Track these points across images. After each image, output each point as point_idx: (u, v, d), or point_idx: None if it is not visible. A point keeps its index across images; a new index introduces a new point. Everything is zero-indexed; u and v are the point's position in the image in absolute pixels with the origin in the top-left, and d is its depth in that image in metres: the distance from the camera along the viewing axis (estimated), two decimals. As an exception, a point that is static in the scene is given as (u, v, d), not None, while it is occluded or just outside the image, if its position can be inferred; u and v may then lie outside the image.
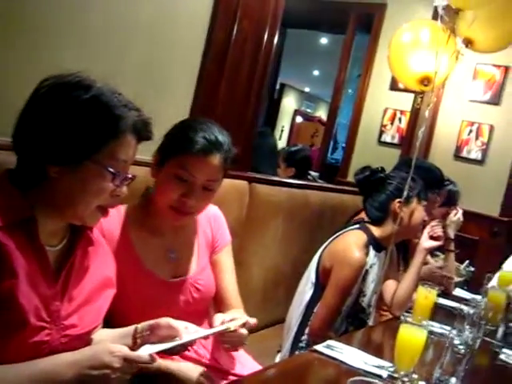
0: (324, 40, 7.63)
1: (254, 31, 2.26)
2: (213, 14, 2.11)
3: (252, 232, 2.35)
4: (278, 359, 2.21)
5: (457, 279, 3.84)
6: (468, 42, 2.34)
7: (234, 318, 1.35)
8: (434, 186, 2.57)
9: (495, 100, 4.22)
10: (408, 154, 4.23)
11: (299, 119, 13.32)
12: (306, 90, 12.93)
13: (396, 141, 4.53)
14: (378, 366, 1.59)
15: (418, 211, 2.22)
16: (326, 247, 2.21)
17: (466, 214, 4.17)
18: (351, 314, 2.21)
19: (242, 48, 2.22)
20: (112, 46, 1.78)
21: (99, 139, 1.10)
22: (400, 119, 4.52)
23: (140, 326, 1.27)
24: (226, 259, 1.68)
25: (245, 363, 1.66)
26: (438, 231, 2.31)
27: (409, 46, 2.43)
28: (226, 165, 1.49)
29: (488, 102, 4.26)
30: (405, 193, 2.13)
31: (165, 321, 1.26)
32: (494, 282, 3.02)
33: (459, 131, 4.37)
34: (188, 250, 1.58)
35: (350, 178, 4.68)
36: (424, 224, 2.28)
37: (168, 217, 1.49)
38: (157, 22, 1.92)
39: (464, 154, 4.35)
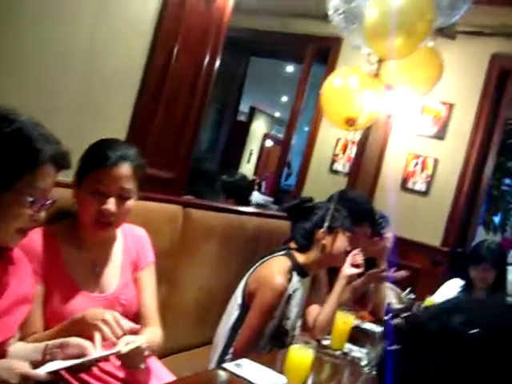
0: (290, 68, 7.87)
1: (192, 61, 2.38)
2: (151, 45, 2.22)
3: (186, 254, 2.45)
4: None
5: (398, 306, 3.99)
6: (389, 88, 2.54)
7: (130, 341, 1.42)
8: (361, 218, 2.71)
9: (440, 135, 4.42)
10: (355, 185, 4.41)
11: (269, 143, 13.51)
12: (276, 114, 13.15)
13: (347, 170, 4.69)
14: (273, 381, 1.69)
15: (341, 241, 2.36)
16: (252, 271, 2.33)
17: (409, 243, 4.36)
18: (275, 337, 2.31)
19: (180, 77, 2.34)
20: (47, 75, 1.88)
21: (17, 170, 1.24)
22: (351, 149, 4.69)
23: (51, 342, 1.36)
24: (148, 278, 1.78)
25: (162, 377, 1.74)
26: (359, 259, 2.45)
27: (338, 90, 2.60)
28: (137, 174, 1.63)
29: (433, 137, 4.45)
30: (326, 223, 2.27)
31: (74, 339, 1.34)
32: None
33: (406, 163, 4.55)
34: (112, 266, 1.69)
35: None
36: (347, 253, 2.42)
37: (93, 231, 1.62)
38: (94, 51, 2.02)
39: (410, 185, 4.52)
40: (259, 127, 12.81)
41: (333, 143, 4.86)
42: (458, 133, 4.38)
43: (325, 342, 2.33)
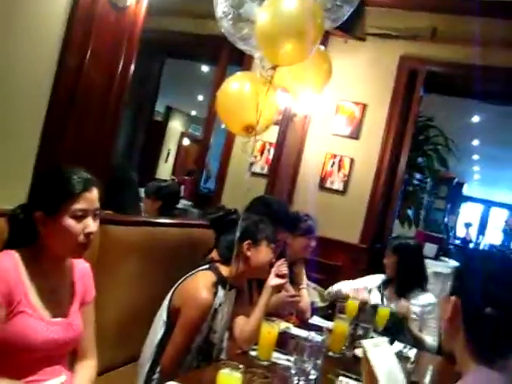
0: (205, 68, 7.83)
1: (105, 70, 2.28)
2: (60, 57, 2.11)
3: (106, 272, 2.35)
4: (131, 399, 2.24)
5: (321, 304, 4.07)
6: (285, 91, 2.57)
7: None
8: (278, 223, 2.71)
9: (355, 134, 4.53)
10: (274, 186, 4.44)
11: (186, 141, 13.39)
12: (193, 113, 13.04)
13: (265, 171, 4.71)
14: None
15: (266, 253, 2.36)
16: (176, 287, 2.28)
17: (329, 241, 4.44)
18: (203, 351, 2.28)
19: (93, 87, 2.23)
20: None
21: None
22: (269, 150, 4.71)
23: None
24: (91, 312, 1.89)
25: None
26: (284, 270, 2.46)
27: (234, 97, 2.58)
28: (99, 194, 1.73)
29: (349, 137, 4.56)
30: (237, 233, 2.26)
31: None
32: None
33: (323, 163, 4.63)
34: (68, 294, 1.77)
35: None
36: (272, 264, 2.43)
37: (74, 255, 1.73)
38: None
39: (328, 184, 4.61)
40: (176, 126, 12.67)
41: (251, 144, 4.85)
42: (372, 132, 4.51)
43: (252, 353, 2.32)
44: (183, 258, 2.85)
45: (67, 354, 1.78)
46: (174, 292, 2.27)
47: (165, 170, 11.48)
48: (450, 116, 6.23)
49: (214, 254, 2.52)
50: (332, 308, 3.87)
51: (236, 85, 2.61)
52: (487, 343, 1.31)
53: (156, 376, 2.20)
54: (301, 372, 2.10)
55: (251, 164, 4.70)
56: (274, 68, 2.38)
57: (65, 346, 1.71)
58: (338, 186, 4.58)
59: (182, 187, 5.38)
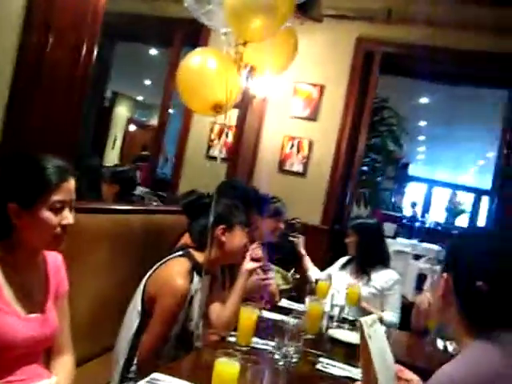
0: (153, 51, 7.63)
1: (69, 46, 2.16)
2: (22, 36, 1.98)
3: (73, 263, 2.23)
4: (106, 393, 2.17)
5: (285, 286, 4.07)
6: (252, 69, 2.50)
7: None
8: (248, 206, 2.67)
9: (313, 116, 4.53)
10: (235, 170, 4.39)
11: (132, 127, 13.11)
12: (139, 98, 12.77)
13: (223, 155, 4.65)
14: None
15: (240, 237, 2.31)
16: (150, 275, 2.20)
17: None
18: (180, 339, 2.22)
19: (57, 66, 2.11)
20: None
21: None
22: (227, 134, 4.65)
23: None
24: (65, 305, 1.81)
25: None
26: (259, 252, 2.43)
27: (199, 75, 2.49)
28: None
29: (307, 118, 4.55)
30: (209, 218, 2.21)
31: None
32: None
33: (282, 146, 4.61)
34: (42, 289, 1.68)
35: (182, 192, 4.72)
36: (246, 249, 2.39)
37: (50, 248, 1.66)
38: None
39: (287, 167, 4.60)
40: (122, 112, 12.37)
41: (207, 128, 4.78)
42: (330, 114, 4.52)
43: (231, 339, 2.28)
44: (151, 245, 2.79)
45: (43, 351, 1.70)
46: (147, 280, 2.20)
47: (111, 157, 11.21)
48: (400, 97, 6.31)
49: (187, 240, 2.47)
50: (296, 290, 3.89)
51: (199, 62, 2.50)
52: (480, 317, 1.33)
53: (133, 368, 2.13)
54: (283, 356, 2.09)
55: (209, 147, 4.67)
56: (243, 44, 2.31)
57: (42, 342, 1.64)
58: (298, 168, 4.57)
59: (138, 173, 5.24)
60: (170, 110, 5.49)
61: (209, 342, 2.32)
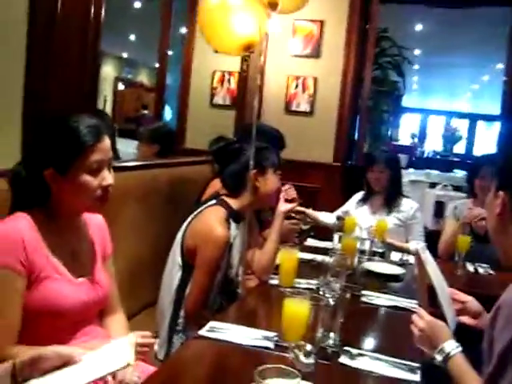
0: (138, 4, 7.38)
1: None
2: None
3: (107, 223, 2.23)
4: (156, 346, 2.18)
5: (304, 227, 4.07)
6: (273, 6, 2.38)
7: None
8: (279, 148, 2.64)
9: (315, 53, 4.42)
10: (243, 116, 4.32)
11: (121, 87, 12.89)
12: (124, 55, 12.48)
13: (228, 102, 4.58)
14: (263, 338, 1.63)
15: (273, 181, 2.28)
16: (187, 227, 2.18)
17: (303, 164, 4.41)
18: (222, 287, 2.23)
19: (69, 25, 2.03)
20: None
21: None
22: (229, 81, 4.56)
23: (19, 361, 1.17)
24: (111, 266, 1.78)
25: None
26: (292, 193, 2.41)
27: (227, 14, 2.36)
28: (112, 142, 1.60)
29: (309, 56, 4.45)
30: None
31: (51, 349, 1.22)
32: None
33: (286, 86, 4.53)
34: (89, 252, 1.65)
35: (189, 145, 4.67)
36: (279, 191, 2.36)
37: (93, 210, 1.62)
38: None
39: (294, 107, 4.53)
40: (108, 71, 12.12)
41: (209, 76, 4.68)
42: (333, 49, 4.42)
43: (272, 282, 2.29)
44: (178, 197, 2.77)
45: (97, 312, 1.69)
46: (184, 233, 2.17)
47: (104, 118, 11.01)
48: (394, 26, 6.18)
49: (215, 188, 2.44)
50: (312, 230, 3.88)
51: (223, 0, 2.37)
52: None
53: (181, 320, 2.14)
54: (329, 291, 2.10)
55: (213, 95, 4.58)
56: None
57: (95, 305, 1.62)
58: (305, 107, 4.50)
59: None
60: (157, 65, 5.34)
61: (251, 288, 2.32)
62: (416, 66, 11.10)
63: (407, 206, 3.36)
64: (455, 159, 13.63)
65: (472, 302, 1.71)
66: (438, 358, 1.46)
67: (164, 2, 4.71)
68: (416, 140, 14.88)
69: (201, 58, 4.65)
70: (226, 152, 2.27)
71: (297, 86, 4.49)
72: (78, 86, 2.10)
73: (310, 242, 3.29)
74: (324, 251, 2.92)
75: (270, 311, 2.12)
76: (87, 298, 1.56)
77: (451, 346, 1.45)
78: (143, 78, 13.50)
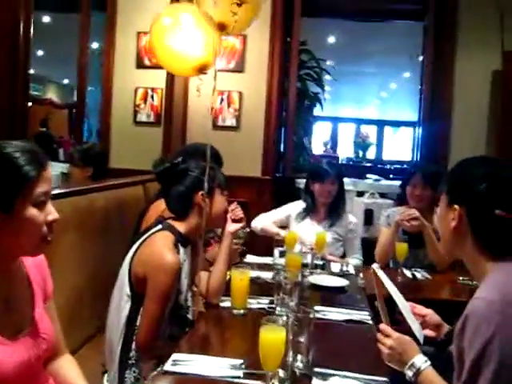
0: (46, 19, 7.10)
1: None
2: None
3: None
4: (105, 382, 2.07)
5: (236, 241, 4.03)
6: (222, 27, 2.38)
7: None
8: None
9: (239, 68, 4.42)
10: (170, 132, 4.26)
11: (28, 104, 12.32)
12: (31, 71, 11.93)
13: (152, 119, 4.48)
14: (231, 367, 1.58)
15: (220, 201, 2.24)
16: (134, 255, 2.08)
17: (232, 179, 4.35)
18: (172, 315, 2.15)
19: None
20: None
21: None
22: (153, 97, 4.46)
23: None
24: (53, 307, 1.60)
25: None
26: (239, 213, 2.37)
27: (175, 34, 2.31)
28: None
29: (234, 71, 4.44)
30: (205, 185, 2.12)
31: None
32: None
33: (212, 100, 4.48)
34: (27, 297, 1.44)
35: (114, 164, 4.51)
36: (226, 211, 2.32)
37: (35, 253, 1.42)
38: None
39: (220, 122, 4.50)
40: (14, 88, 11.55)
41: (131, 93, 4.55)
42: (256, 63, 4.44)
43: (224, 304, 2.24)
44: (116, 222, 2.66)
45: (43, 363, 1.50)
46: (132, 261, 2.07)
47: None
48: (310, 39, 6.32)
49: (157, 211, 2.36)
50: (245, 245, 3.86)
51: (175, 22, 2.30)
52: (499, 243, 1.37)
53: (133, 354, 2.02)
54: (287, 309, 2.08)
55: (136, 113, 4.47)
56: (239, 4, 2.18)
57: (39, 361, 1.43)
58: (231, 122, 4.49)
59: (61, 150, 4.95)
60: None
61: (203, 313, 2.26)
62: (328, 77, 11.43)
63: (347, 220, 3.41)
64: (367, 164, 14.15)
65: (432, 315, 1.75)
66: (409, 373, 1.48)
67: (82, 18, 4.55)
68: (329, 148, 15.27)
69: (121, 74, 4.53)
70: (171, 173, 2.19)
71: (222, 101, 4.46)
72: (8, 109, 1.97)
73: (250, 258, 3.26)
74: (266, 267, 2.92)
75: (229, 336, 2.08)
76: (28, 356, 1.36)
77: (421, 361, 1.47)
78: (52, 95, 13.00)
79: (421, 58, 4.90)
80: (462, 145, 4.38)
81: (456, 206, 1.44)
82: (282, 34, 4.39)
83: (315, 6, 4.87)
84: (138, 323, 2.02)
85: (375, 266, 1.74)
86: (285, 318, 1.98)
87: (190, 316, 2.25)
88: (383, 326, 1.60)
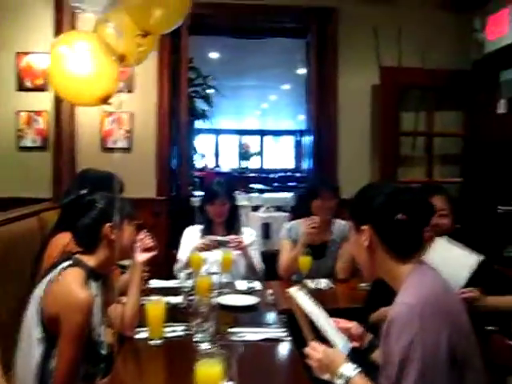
0: None
1: None
2: None
3: None
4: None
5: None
6: (121, 58, 2.35)
7: None
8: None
9: (129, 88, 4.34)
10: (59, 157, 4.10)
11: None
12: None
13: (39, 144, 4.26)
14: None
15: (129, 232, 2.18)
16: (43, 295, 1.98)
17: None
18: (86, 352, 2.06)
19: None
20: None
21: None
22: (37, 121, 4.26)
23: None
24: None
25: None
26: (148, 242, 2.33)
27: (75, 65, 2.25)
28: None
29: (123, 91, 4.34)
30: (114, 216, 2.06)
31: None
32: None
33: (100, 123, 4.37)
34: None
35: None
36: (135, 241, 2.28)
37: None
38: None
39: (110, 144, 4.38)
40: None
41: (12, 117, 4.30)
42: (146, 83, 4.39)
43: (140, 336, 2.20)
44: (11, 261, 2.51)
45: None
46: (40, 301, 1.97)
47: None
48: (195, 56, 6.36)
49: (59, 244, 2.27)
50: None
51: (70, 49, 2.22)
52: (407, 242, 1.54)
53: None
54: (206, 336, 2.08)
55: (19, 138, 4.24)
56: (144, 35, 2.13)
57: None
58: (122, 143, 4.39)
59: None
60: None
61: (120, 348, 2.19)
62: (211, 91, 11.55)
63: (246, 234, 3.47)
64: (252, 175, 14.46)
65: (355, 327, 1.84)
66: (339, 382, 1.55)
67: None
68: (208, 160, 15.42)
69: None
70: (77, 205, 2.11)
71: (112, 122, 4.36)
72: None
73: (154, 282, 3.19)
74: (172, 291, 2.88)
75: (154, 371, 2.02)
76: None
77: (349, 369, 1.55)
78: None
79: (302, 71, 5.08)
80: (349, 153, 4.62)
81: (364, 227, 1.56)
82: (170, 52, 4.37)
83: (199, 24, 4.89)
84: (52, 366, 1.92)
85: (292, 290, 1.80)
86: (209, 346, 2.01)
87: (103, 351, 2.18)
88: (310, 342, 1.67)
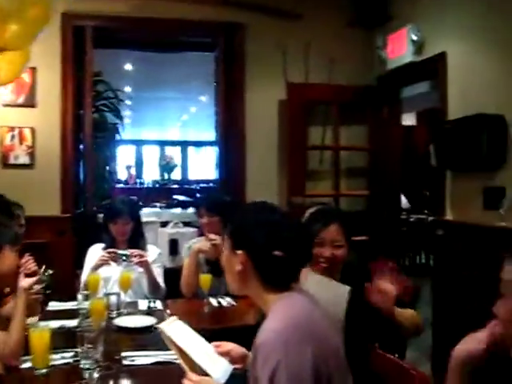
0: None
1: None
2: None
3: None
4: None
5: (38, 286, 3.79)
6: None
7: None
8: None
9: (30, 102, 4.20)
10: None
11: None
12: None
13: None
14: None
15: (11, 258, 2.10)
16: None
17: (30, 219, 4.11)
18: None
19: None
20: None
21: None
22: None
23: None
24: None
25: None
26: (31, 266, 2.26)
27: None
28: None
29: (24, 105, 4.21)
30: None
31: None
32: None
33: (1, 138, 4.21)
34: None
35: None
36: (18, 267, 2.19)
37: None
38: None
39: (12, 160, 4.22)
40: None
41: None
42: (48, 97, 4.26)
43: (25, 366, 2.11)
44: None
45: None
46: None
47: None
48: (104, 67, 6.26)
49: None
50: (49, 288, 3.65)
51: None
52: (282, 277, 1.55)
53: None
54: (92, 363, 2.02)
55: None
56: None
57: None
58: (24, 159, 4.23)
59: None
60: None
61: (2, 377, 2.09)
62: (128, 102, 11.39)
63: (151, 251, 3.42)
64: (174, 186, 14.32)
65: (234, 349, 1.84)
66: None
67: None
68: (133, 171, 15.16)
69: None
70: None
71: (13, 138, 4.20)
72: None
73: (53, 305, 3.08)
74: (71, 314, 2.79)
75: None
76: None
77: None
78: None
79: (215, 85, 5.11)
80: (257, 166, 4.67)
81: (239, 252, 1.56)
82: (74, 66, 4.27)
83: (108, 38, 4.83)
84: None
85: (162, 324, 1.75)
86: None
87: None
88: (187, 374, 1.65)
